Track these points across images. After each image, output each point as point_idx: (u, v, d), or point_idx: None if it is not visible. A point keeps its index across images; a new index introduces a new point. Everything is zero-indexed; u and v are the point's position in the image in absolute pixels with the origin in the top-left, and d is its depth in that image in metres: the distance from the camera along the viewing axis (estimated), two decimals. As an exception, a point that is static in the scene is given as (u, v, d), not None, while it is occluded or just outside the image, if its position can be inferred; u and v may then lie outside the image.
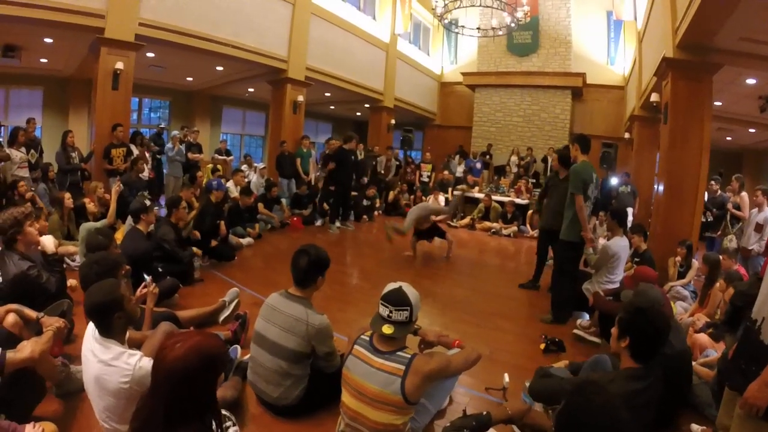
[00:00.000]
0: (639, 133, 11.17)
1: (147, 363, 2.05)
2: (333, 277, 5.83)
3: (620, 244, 4.64)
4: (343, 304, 4.97)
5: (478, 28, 11.87)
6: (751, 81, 7.59)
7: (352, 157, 9.49)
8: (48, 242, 3.42)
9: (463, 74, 16.15)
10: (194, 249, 5.53)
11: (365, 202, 11.03)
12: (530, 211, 10.89)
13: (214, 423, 1.52)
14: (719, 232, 7.48)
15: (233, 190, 8.45)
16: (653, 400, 2.15)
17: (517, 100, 15.23)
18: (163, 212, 6.05)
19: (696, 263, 5.84)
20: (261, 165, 10.97)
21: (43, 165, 7.42)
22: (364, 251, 7.87)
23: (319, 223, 9.51)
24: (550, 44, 14.71)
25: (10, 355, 2.26)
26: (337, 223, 9.14)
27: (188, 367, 1.45)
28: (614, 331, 2.22)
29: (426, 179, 13.83)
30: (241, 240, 7.13)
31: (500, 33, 11.80)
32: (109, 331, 2.12)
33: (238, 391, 2.79)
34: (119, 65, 7.51)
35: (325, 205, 9.48)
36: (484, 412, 2.27)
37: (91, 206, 6.16)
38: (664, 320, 2.14)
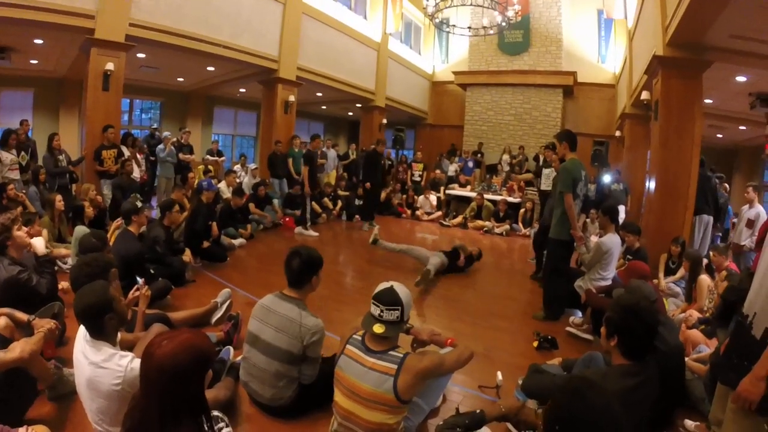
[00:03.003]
0: (630, 130, 11.22)
1: (138, 364, 2.04)
2: (329, 276, 5.86)
3: (613, 241, 4.66)
4: (339, 303, 4.96)
5: (469, 27, 11.89)
6: (741, 78, 7.63)
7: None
8: (38, 243, 3.40)
9: (455, 73, 16.16)
10: (184, 257, 5.39)
11: (357, 202, 11.01)
12: (522, 209, 10.93)
13: (205, 422, 1.51)
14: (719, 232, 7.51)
15: (225, 191, 8.41)
16: (649, 397, 2.13)
17: (509, 98, 15.23)
18: (155, 213, 6.00)
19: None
20: (253, 165, 10.92)
21: (33, 167, 7.35)
22: (360, 251, 7.84)
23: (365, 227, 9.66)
24: (542, 43, 14.75)
25: (0, 355, 2.24)
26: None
27: (177, 364, 1.43)
28: (603, 330, 2.22)
29: (417, 178, 13.87)
30: (233, 241, 7.11)
31: (491, 32, 11.83)
32: (100, 332, 2.11)
33: (231, 391, 2.78)
34: (109, 66, 7.45)
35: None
36: (478, 410, 2.26)
37: (89, 211, 6.11)
38: (650, 316, 2.13)
